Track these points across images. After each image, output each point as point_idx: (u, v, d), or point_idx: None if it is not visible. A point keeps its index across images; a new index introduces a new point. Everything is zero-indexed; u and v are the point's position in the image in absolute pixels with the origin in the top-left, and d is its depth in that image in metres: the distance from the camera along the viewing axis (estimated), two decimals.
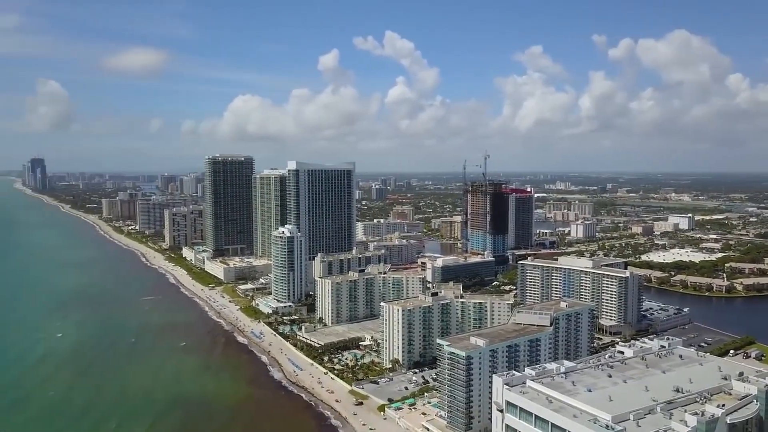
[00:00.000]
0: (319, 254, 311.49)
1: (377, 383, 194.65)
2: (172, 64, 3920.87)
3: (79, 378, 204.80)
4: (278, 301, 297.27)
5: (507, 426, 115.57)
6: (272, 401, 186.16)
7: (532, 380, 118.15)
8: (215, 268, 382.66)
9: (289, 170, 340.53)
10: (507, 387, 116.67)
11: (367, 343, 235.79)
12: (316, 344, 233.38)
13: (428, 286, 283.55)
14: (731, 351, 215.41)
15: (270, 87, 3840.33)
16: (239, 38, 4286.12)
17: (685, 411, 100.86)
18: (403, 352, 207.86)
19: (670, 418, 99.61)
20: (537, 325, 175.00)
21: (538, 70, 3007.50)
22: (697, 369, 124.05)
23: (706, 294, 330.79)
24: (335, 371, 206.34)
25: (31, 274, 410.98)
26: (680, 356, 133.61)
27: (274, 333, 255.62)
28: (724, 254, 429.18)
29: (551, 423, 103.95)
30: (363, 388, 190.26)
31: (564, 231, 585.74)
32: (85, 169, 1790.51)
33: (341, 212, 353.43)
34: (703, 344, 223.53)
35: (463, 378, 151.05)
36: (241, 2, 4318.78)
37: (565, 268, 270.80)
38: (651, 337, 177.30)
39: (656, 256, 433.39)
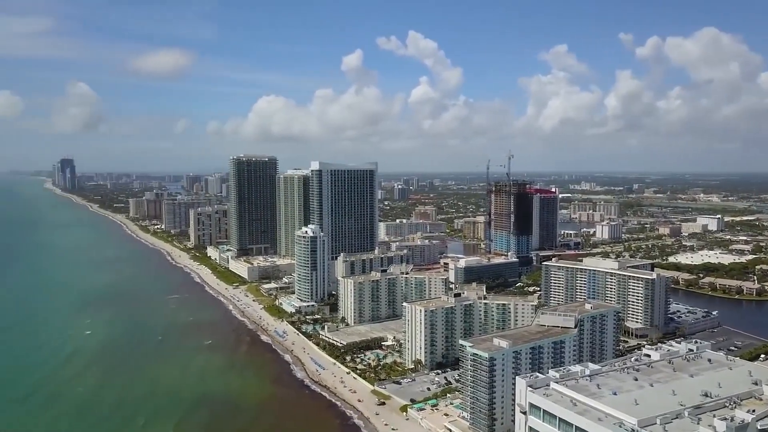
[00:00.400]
0: (341, 254, 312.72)
1: (399, 383, 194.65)
2: (197, 65, 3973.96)
3: (107, 375, 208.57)
4: (301, 300, 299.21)
5: (530, 428, 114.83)
6: (295, 400, 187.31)
7: (556, 382, 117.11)
8: (239, 267, 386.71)
9: (312, 170, 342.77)
10: (530, 389, 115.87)
11: (389, 343, 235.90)
12: (338, 344, 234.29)
13: (451, 286, 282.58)
14: (762, 355, 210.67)
15: (294, 87, 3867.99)
16: (264, 39, 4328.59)
17: (714, 416, 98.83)
18: (425, 352, 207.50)
19: (698, 423, 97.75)
20: (561, 327, 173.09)
21: (563, 69, 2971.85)
22: (726, 373, 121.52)
23: (736, 297, 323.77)
24: (357, 371, 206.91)
25: (61, 272, 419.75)
26: (709, 360, 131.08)
27: (297, 332, 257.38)
28: (754, 256, 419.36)
29: (575, 426, 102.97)
30: (385, 388, 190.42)
31: (589, 232, 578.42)
32: (113, 169, 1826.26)
33: (364, 212, 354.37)
34: (732, 348, 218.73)
35: (486, 379, 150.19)
36: (266, 4, 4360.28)
37: (590, 270, 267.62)
38: (678, 340, 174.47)
39: (684, 258, 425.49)
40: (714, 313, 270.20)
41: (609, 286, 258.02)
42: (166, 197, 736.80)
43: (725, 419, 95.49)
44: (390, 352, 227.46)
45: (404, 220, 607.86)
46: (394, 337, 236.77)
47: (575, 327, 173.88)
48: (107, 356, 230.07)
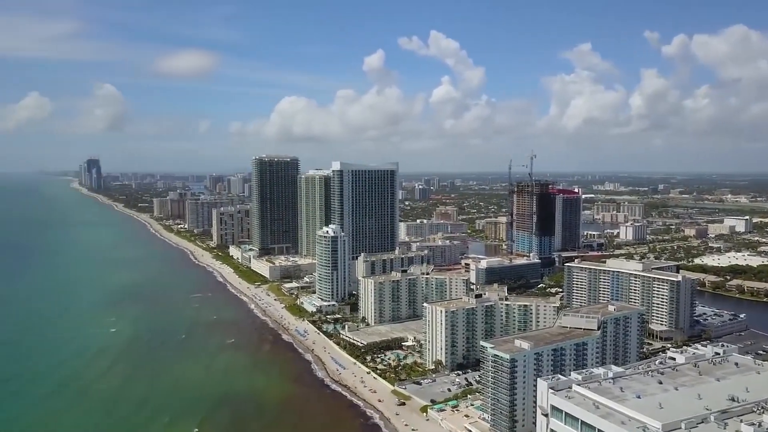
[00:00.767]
0: (362, 254, 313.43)
1: (420, 384, 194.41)
2: (220, 66, 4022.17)
3: (132, 372, 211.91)
4: (322, 299, 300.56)
5: (552, 431, 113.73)
6: (316, 399, 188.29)
7: (579, 385, 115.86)
8: (261, 267, 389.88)
9: (333, 171, 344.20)
10: (552, 391, 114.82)
11: (409, 343, 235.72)
12: (359, 343, 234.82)
13: (472, 287, 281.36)
14: None
15: (316, 88, 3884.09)
16: (286, 40, 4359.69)
17: (741, 421, 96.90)
18: (446, 353, 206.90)
19: (725, 428, 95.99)
20: (584, 329, 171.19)
21: (587, 68, 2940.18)
22: (754, 377, 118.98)
23: (765, 300, 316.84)
24: (378, 371, 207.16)
25: (86, 270, 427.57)
26: (736, 364, 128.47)
27: (318, 331, 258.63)
28: None
29: (598, 429, 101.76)
30: (405, 388, 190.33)
31: (613, 233, 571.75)
32: (137, 170, 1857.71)
33: (384, 212, 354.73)
34: (760, 352, 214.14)
35: (507, 381, 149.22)
36: (288, 5, 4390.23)
37: (613, 271, 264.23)
38: (704, 343, 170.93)
39: (710, 260, 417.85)
40: (741, 316, 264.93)
41: (633, 287, 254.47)
42: (190, 197, 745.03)
43: (753, 425, 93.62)
44: (410, 353, 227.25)
45: (425, 221, 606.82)
46: (415, 338, 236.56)
47: (598, 329, 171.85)
48: (132, 354, 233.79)
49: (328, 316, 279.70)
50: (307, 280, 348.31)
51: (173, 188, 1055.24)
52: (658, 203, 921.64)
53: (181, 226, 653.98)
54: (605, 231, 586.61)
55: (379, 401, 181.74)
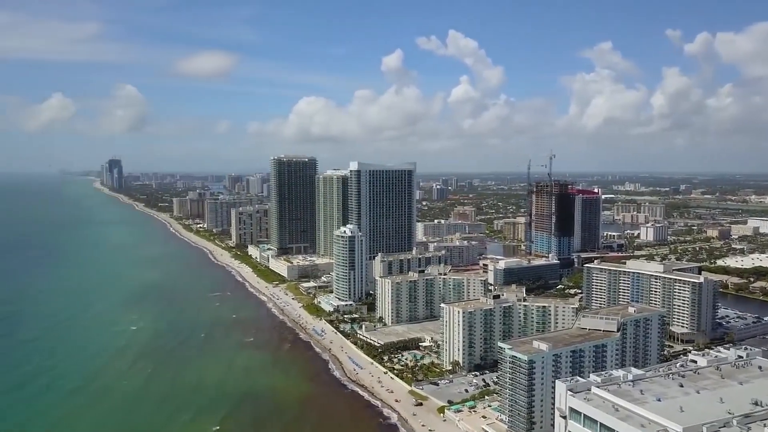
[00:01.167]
0: (379, 254, 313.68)
1: (437, 384, 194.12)
2: (239, 66, 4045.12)
3: (154, 370, 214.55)
4: (339, 299, 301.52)
5: None
6: (334, 399, 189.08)
7: (598, 387, 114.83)
8: (279, 266, 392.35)
9: (350, 171, 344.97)
10: (571, 393, 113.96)
11: (426, 344, 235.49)
12: (376, 343, 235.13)
13: (490, 288, 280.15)
14: None
15: (334, 88, 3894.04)
16: (304, 41, 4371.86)
17: (765, 426, 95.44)
18: (463, 354, 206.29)
19: None
20: (603, 331, 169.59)
21: (607, 66, 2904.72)
22: None
23: None
24: (395, 371, 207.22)
25: (108, 268, 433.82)
26: (759, 367, 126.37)
27: (335, 331, 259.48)
28: None
29: None
30: (422, 388, 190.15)
31: (633, 234, 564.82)
32: (158, 170, 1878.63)
33: (402, 212, 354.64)
34: None
35: (525, 382, 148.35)
36: (307, 6, 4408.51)
37: (633, 272, 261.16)
38: (727, 346, 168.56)
39: (733, 261, 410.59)
40: (765, 318, 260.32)
41: (653, 289, 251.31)
42: (209, 197, 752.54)
43: None
44: (427, 353, 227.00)
45: (442, 221, 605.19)
46: (432, 338, 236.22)
47: (618, 331, 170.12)
48: (153, 351, 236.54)
49: (345, 316, 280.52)
50: (325, 279, 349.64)
51: (193, 188, 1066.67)
52: (679, 204, 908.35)
53: (201, 225, 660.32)
54: (625, 232, 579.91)
55: (396, 401, 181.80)
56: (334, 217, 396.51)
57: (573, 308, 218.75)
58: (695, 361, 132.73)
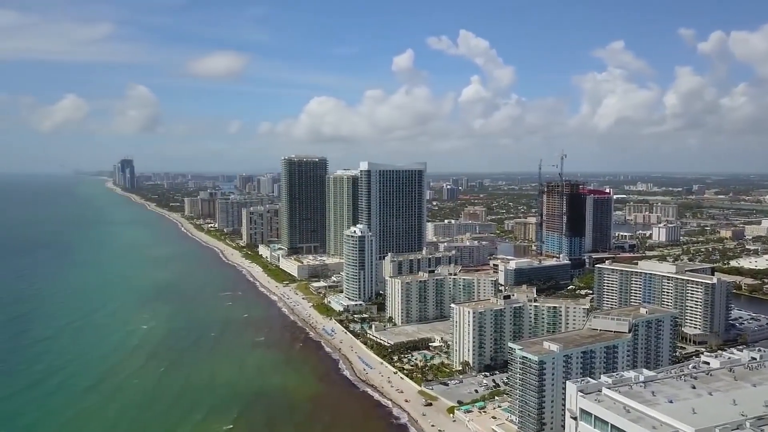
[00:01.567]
0: (389, 254, 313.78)
1: (447, 385, 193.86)
2: (251, 67, 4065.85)
3: (167, 369, 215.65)
4: (349, 299, 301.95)
5: None
6: (345, 398, 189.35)
7: (609, 388, 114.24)
8: (290, 266, 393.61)
9: (361, 171, 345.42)
10: (581, 394, 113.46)
11: (436, 344, 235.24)
12: (385, 343, 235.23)
13: (500, 288, 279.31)
14: None
15: (344, 88, 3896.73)
16: (315, 41, 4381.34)
17: None
18: (473, 354, 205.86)
19: None
20: (614, 332, 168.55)
21: (620, 66, 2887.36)
22: None
23: None
24: (404, 371, 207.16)
25: (120, 268, 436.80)
26: None
27: (345, 330, 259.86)
28: None
29: None
30: (432, 389, 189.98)
31: (645, 234, 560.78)
32: (169, 169, 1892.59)
33: (412, 212, 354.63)
34: None
35: (536, 383, 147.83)
36: (318, 6, 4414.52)
37: (645, 273, 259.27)
38: (740, 347, 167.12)
39: (747, 262, 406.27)
40: None
41: (666, 290, 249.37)
42: (220, 197, 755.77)
43: None
44: (437, 353, 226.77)
45: (453, 221, 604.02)
46: (442, 338, 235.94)
47: (629, 332, 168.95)
48: (165, 350, 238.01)
49: (355, 316, 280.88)
50: (335, 279, 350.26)
51: (204, 188, 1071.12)
52: (692, 204, 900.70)
53: (212, 225, 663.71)
54: (637, 232, 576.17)
55: (406, 401, 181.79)
56: (344, 216, 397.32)
57: (584, 309, 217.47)
58: (708, 363, 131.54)
